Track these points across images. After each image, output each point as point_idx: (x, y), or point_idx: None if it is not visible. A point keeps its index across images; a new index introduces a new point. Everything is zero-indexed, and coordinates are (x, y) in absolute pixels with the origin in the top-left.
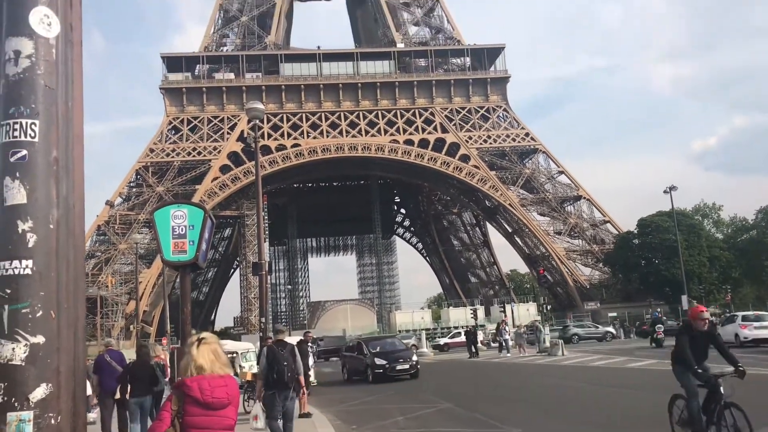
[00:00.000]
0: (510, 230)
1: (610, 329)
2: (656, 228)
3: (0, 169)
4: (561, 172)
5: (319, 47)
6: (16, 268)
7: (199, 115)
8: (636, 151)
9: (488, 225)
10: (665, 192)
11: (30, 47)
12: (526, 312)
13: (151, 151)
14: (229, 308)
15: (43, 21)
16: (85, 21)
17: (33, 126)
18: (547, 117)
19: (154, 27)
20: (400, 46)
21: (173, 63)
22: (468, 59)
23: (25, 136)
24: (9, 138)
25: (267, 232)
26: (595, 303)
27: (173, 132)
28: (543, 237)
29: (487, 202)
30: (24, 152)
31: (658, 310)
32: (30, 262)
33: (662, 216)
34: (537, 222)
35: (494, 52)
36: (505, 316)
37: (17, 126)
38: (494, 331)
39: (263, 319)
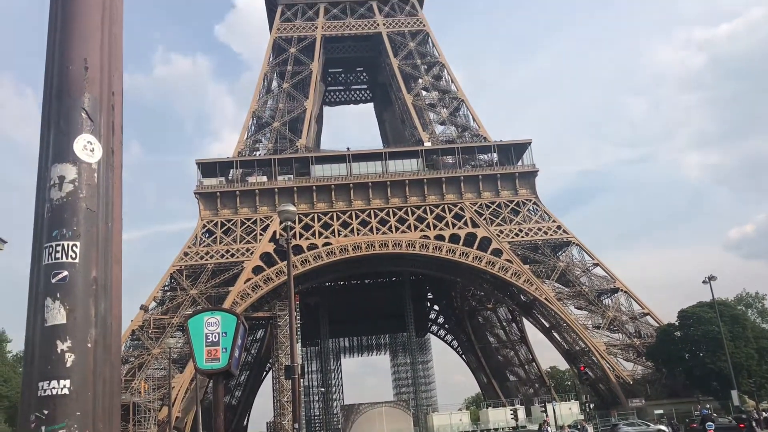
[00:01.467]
0: (547, 325)
1: (662, 427)
2: (698, 320)
3: (42, 290)
4: (596, 265)
5: (348, 148)
6: (54, 388)
7: (232, 218)
8: (671, 241)
9: (525, 320)
10: (704, 282)
11: (74, 172)
12: (568, 411)
13: (186, 254)
14: (262, 412)
15: (87, 147)
16: (125, 133)
17: (74, 247)
18: (578, 209)
19: (190, 136)
20: (428, 144)
21: (208, 169)
22: (495, 155)
23: (67, 258)
24: (51, 260)
25: (299, 333)
26: (640, 400)
27: (207, 235)
28: (581, 332)
29: (522, 297)
30: (65, 273)
31: (707, 406)
32: (68, 382)
33: (703, 307)
34: (575, 316)
35: (521, 148)
36: (547, 416)
37: (59, 248)
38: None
39: (297, 425)
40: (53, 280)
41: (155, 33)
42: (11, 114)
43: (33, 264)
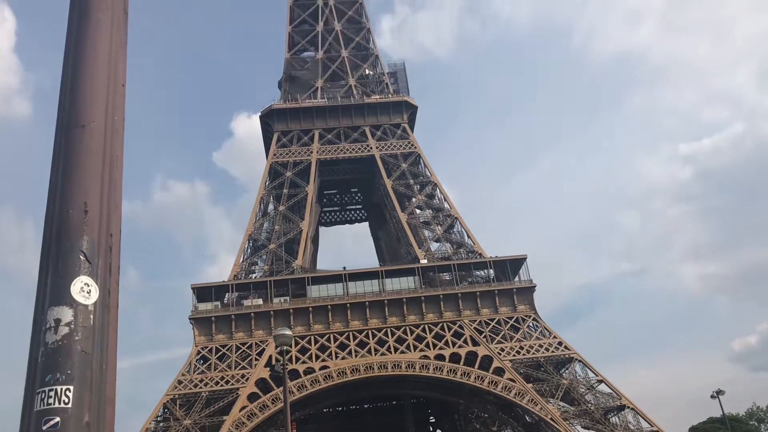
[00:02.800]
0: None
1: None
2: None
3: None
4: (600, 381)
5: (344, 268)
6: None
7: (227, 343)
8: (674, 353)
9: None
10: (713, 397)
11: (69, 315)
12: None
13: (179, 383)
14: None
15: (84, 289)
16: (122, 260)
17: (67, 392)
18: (578, 324)
19: (187, 260)
20: (424, 262)
21: (203, 293)
22: (491, 271)
23: (59, 403)
24: (43, 405)
25: None
26: None
27: (201, 362)
28: None
29: (527, 418)
30: (56, 419)
31: None
32: None
33: (714, 423)
34: None
35: (517, 263)
36: None
37: (52, 393)
38: None
39: None
40: (44, 428)
41: (155, 162)
42: (11, 244)
43: (24, 410)
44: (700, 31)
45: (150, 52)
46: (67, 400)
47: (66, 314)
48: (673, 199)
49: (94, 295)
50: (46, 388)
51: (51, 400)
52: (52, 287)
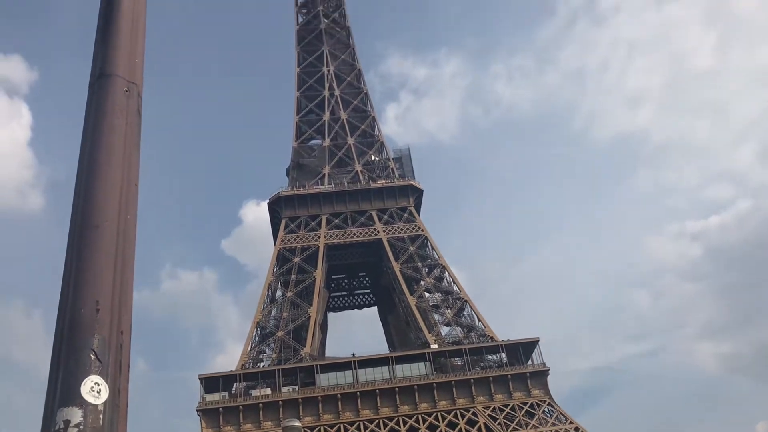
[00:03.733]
0: None
1: None
2: None
3: None
4: None
5: (354, 354)
6: None
7: None
8: None
9: None
10: None
11: (79, 416)
12: None
13: None
14: None
15: (93, 389)
16: (131, 351)
17: None
18: (593, 407)
19: (195, 349)
20: (434, 347)
21: (210, 383)
22: (504, 355)
23: None
24: None
25: None
26: None
27: None
28: None
29: None
30: None
31: None
32: None
33: None
34: None
35: (529, 346)
36: None
37: None
38: None
39: None
40: None
41: (164, 250)
42: (18, 335)
43: None
44: (699, 112)
45: (160, 141)
46: None
47: (75, 415)
48: (684, 278)
49: (104, 394)
50: None
51: None
52: (62, 386)
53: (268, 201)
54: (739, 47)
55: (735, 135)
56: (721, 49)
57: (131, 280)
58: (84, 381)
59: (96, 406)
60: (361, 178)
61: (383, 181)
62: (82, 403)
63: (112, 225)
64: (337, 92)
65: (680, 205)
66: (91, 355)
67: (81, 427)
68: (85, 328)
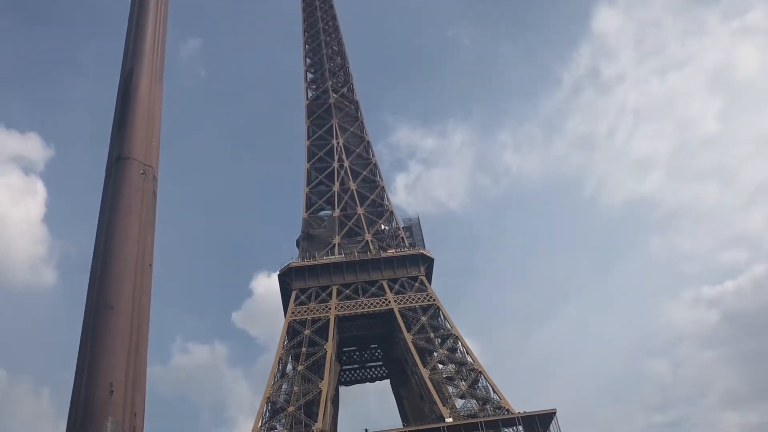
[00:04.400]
0: None
1: None
2: None
3: None
4: None
5: (366, 429)
6: None
7: None
8: None
9: None
10: None
11: None
12: None
13: None
14: None
15: None
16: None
17: None
18: None
19: (206, 426)
20: (449, 420)
21: None
22: (521, 427)
23: None
24: None
25: None
26: None
27: None
28: None
29: None
30: None
31: None
32: None
33: None
34: None
35: (547, 418)
36: None
37: None
38: None
39: None
40: None
41: (175, 325)
42: (24, 415)
43: None
44: (707, 177)
45: (172, 215)
46: None
47: None
48: (703, 345)
49: None
50: None
51: None
52: None
53: (278, 272)
54: (743, 112)
55: (745, 199)
56: (726, 114)
57: (145, 361)
58: None
59: None
60: (372, 247)
61: (393, 251)
62: None
63: (127, 306)
64: (346, 164)
65: (695, 271)
66: None
67: None
68: (99, 411)
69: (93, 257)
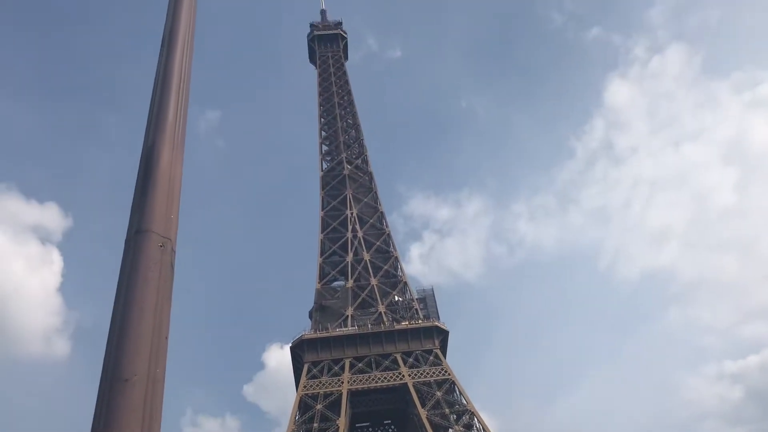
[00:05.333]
0: None
1: None
2: None
3: None
4: None
5: None
6: None
7: None
8: None
9: None
10: None
11: None
12: None
13: None
14: None
15: None
16: None
17: None
18: None
19: None
20: None
21: None
22: None
23: None
24: None
25: None
26: None
27: None
28: None
29: None
30: None
31: None
32: None
33: None
34: None
35: None
36: None
37: None
38: None
39: None
40: None
41: (185, 397)
42: None
43: None
44: (725, 248)
45: (184, 287)
46: None
47: None
48: (728, 422)
49: None
50: None
51: None
52: None
53: (290, 345)
54: (759, 183)
55: (765, 271)
56: (742, 185)
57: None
58: None
59: None
60: (385, 319)
61: (407, 323)
62: None
63: (142, 378)
64: (360, 234)
65: (716, 345)
66: None
67: None
68: None
69: (110, 329)
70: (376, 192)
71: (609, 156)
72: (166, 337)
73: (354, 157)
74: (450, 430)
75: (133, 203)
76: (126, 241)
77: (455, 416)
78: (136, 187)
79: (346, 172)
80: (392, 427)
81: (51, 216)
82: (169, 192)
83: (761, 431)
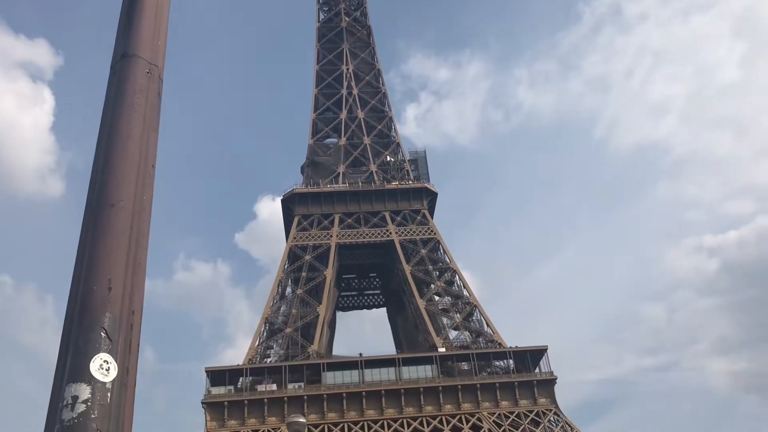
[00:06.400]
0: None
1: None
2: None
3: None
4: None
5: (360, 354)
6: None
7: (239, 429)
8: None
9: None
10: None
11: (87, 392)
12: None
13: None
14: None
15: (103, 366)
16: (141, 340)
17: None
18: (601, 419)
19: (206, 342)
20: (442, 350)
21: (217, 377)
22: (511, 361)
23: None
24: None
25: None
26: None
27: None
28: None
29: None
30: None
31: None
32: None
33: None
34: None
35: (537, 354)
36: None
37: None
38: None
39: None
40: None
41: (178, 241)
42: (30, 321)
43: None
44: (722, 125)
45: (179, 135)
46: None
47: (84, 391)
48: (700, 293)
49: (113, 372)
50: None
51: None
52: (71, 363)
53: (281, 197)
54: (766, 60)
55: (757, 149)
56: (749, 62)
57: (144, 261)
58: (93, 358)
59: (104, 383)
60: (376, 178)
61: (397, 183)
62: (90, 380)
63: (128, 204)
64: (355, 91)
65: (699, 219)
66: (102, 333)
67: (89, 403)
68: (97, 307)
69: (95, 154)
70: (373, 48)
71: (616, 23)
72: (153, 166)
73: (353, 8)
74: (432, 285)
75: (118, 27)
76: (111, 66)
77: (438, 273)
78: (122, 9)
79: (343, 24)
80: (377, 279)
81: (41, 53)
82: (157, 17)
83: (730, 302)
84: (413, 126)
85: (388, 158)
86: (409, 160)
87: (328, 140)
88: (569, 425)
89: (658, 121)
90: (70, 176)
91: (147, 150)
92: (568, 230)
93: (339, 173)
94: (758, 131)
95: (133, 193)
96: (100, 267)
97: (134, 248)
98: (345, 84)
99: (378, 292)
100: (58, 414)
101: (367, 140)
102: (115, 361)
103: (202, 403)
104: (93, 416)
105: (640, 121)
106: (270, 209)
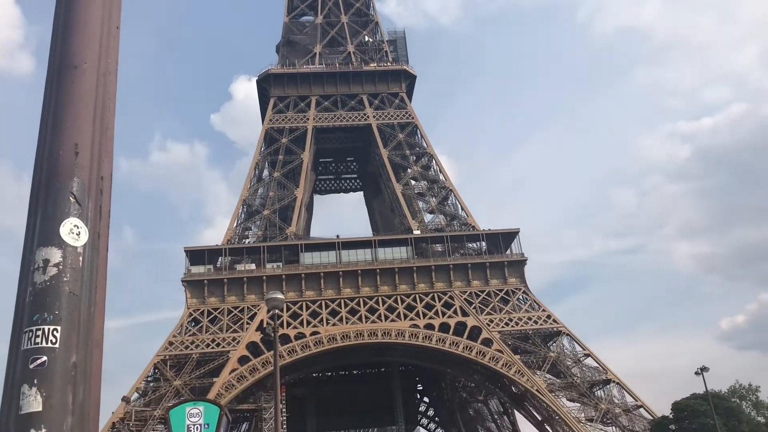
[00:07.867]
0: (540, 418)
1: None
2: (693, 413)
3: (19, 377)
4: (587, 355)
5: (338, 236)
6: None
7: (219, 306)
8: (663, 331)
9: (516, 413)
10: (697, 374)
11: (58, 256)
12: None
13: (171, 344)
14: None
15: (73, 231)
16: (118, 218)
17: (55, 332)
18: (568, 299)
19: (185, 222)
20: (417, 233)
21: (196, 256)
22: (484, 243)
23: (46, 342)
24: (31, 344)
25: (285, 426)
26: None
27: (193, 324)
28: (575, 425)
29: (513, 388)
30: (44, 359)
31: None
32: None
33: (698, 399)
34: (567, 408)
35: (509, 237)
36: None
37: (39, 333)
38: None
39: None
40: (31, 366)
41: (154, 121)
42: (6, 199)
43: (11, 349)
44: (706, 8)
45: (151, 14)
46: (54, 340)
47: (55, 255)
48: (670, 178)
49: (84, 237)
50: (34, 328)
51: (38, 339)
52: (41, 228)
53: (256, 78)
54: None
55: (740, 35)
56: None
57: (112, 126)
58: (63, 223)
59: (75, 248)
60: (354, 59)
61: (375, 65)
62: (61, 243)
63: (92, 67)
64: None
65: (676, 106)
66: (71, 198)
67: (60, 267)
68: (64, 172)
69: (54, 16)
70: None
71: None
72: (118, 28)
73: None
74: (408, 169)
75: None
76: None
77: (415, 158)
78: None
79: None
80: (354, 163)
81: None
82: None
83: (699, 187)
84: (393, 5)
85: (366, 38)
86: (387, 41)
87: (305, 18)
88: (537, 303)
89: (643, 3)
90: (41, 51)
91: (110, 11)
92: (545, 116)
93: (315, 53)
94: (742, 16)
95: (97, 55)
96: (65, 130)
97: (101, 112)
98: None
99: (355, 176)
100: (29, 277)
101: (344, 18)
102: (86, 225)
103: (182, 281)
104: (65, 279)
105: (624, 3)
106: (246, 90)
